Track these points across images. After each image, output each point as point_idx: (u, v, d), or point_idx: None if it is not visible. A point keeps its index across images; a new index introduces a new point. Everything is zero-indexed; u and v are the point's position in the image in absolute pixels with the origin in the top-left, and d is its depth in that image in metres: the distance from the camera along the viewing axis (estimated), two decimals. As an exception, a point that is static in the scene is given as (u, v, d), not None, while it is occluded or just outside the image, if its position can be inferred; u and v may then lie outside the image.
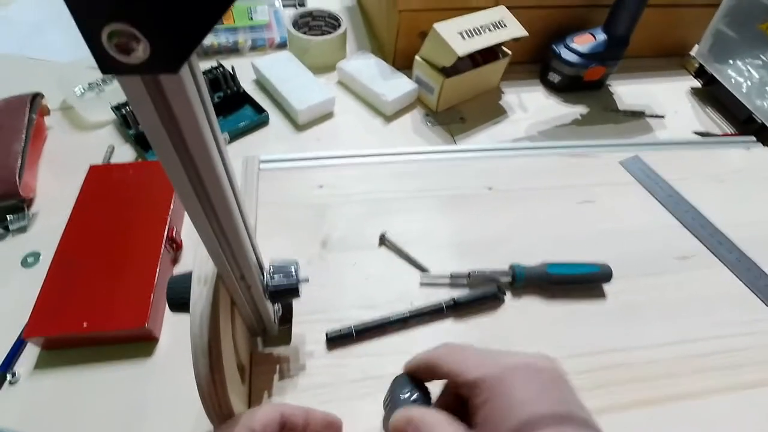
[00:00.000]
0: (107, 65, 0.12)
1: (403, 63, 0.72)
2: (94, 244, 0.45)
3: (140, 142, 0.59)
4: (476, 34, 0.63)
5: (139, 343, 0.42)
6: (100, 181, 0.50)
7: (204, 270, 0.28)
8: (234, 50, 0.76)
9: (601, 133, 0.70)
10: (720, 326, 0.46)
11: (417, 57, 0.67)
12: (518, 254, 0.49)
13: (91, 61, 0.12)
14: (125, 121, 0.59)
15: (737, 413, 0.41)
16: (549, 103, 0.74)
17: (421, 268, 0.48)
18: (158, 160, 0.17)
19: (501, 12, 0.66)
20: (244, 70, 0.69)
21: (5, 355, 0.41)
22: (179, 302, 0.28)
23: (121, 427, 0.38)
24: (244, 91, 0.66)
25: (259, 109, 0.65)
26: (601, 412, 0.35)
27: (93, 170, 0.51)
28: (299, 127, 0.65)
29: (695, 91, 0.79)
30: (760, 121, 0.68)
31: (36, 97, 0.58)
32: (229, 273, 0.27)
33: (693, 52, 0.82)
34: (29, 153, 0.53)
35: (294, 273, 0.33)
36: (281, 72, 0.68)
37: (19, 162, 0.51)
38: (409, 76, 0.69)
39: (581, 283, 0.48)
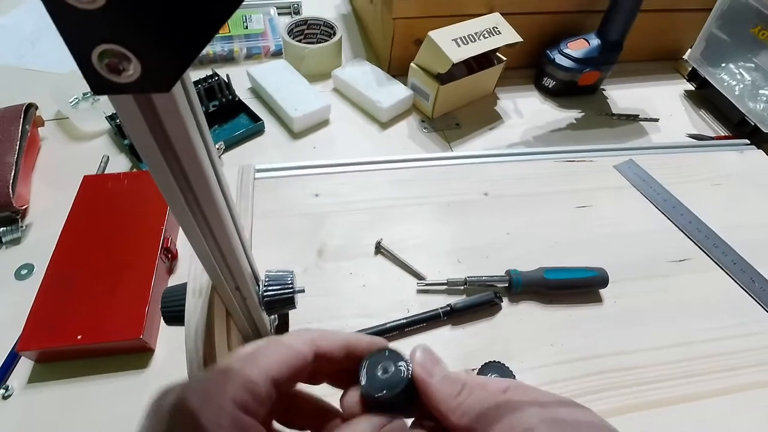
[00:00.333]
0: (98, 85, 0.12)
1: (398, 70, 0.72)
2: (88, 255, 0.45)
3: (135, 152, 0.58)
4: (471, 40, 0.63)
5: (135, 354, 0.42)
6: (94, 191, 0.50)
7: (199, 282, 0.27)
8: (229, 59, 0.76)
9: (596, 137, 0.70)
10: (716, 329, 0.47)
11: (412, 64, 0.67)
12: (515, 260, 0.49)
13: (86, 72, 0.12)
14: (120, 130, 0.59)
15: (735, 415, 0.41)
16: (544, 108, 0.74)
17: (418, 276, 0.48)
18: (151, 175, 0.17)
19: (495, 18, 0.67)
20: (239, 78, 0.69)
21: (-1, 369, 0.40)
22: (174, 315, 0.28)
23: (116, 440, 0.37)
24: (239, 99, 0.66)
25: (255, 118, 0.65)
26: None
27: (87, 180, 0.51)
28: (295, 135, 0.65)
29: (689, 94, 0.80)
30: (752, 123, 0.68)
31: (29, 107, 0.58)
32: (224, 285, 0.27)
33: (686, 56, 0.82)
34: (23, 164, 0.53)
35: (290, 283, 0.33)
36: (277, 80, 0.68)
37: (12, 173, 0.51)
38: (405, 83, 0.69)
39: (578, 287, 0.48)
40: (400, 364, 0.22)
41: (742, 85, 0.71)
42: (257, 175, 0.55)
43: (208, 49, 0.74)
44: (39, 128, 0.60)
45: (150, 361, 0.42)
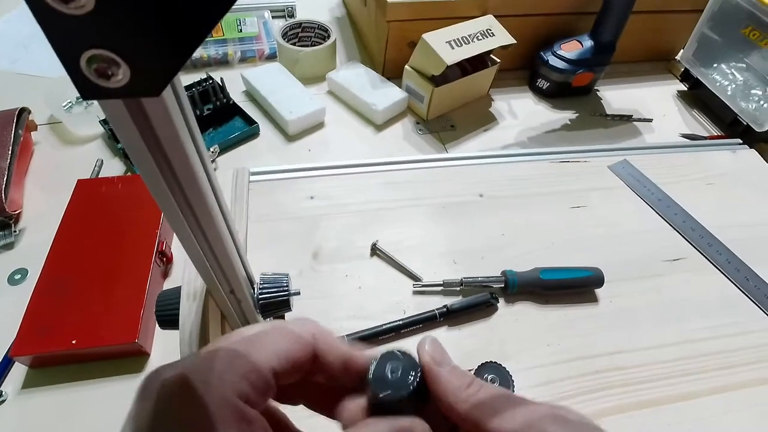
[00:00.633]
0: (87, 90, 0.12)
1: (392, 72, 0.72)
2: (82, 259, 0.44)
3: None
4: (465, 42, 0.63)
5: (130, 358, 0.42)
6: (88, 195, 0.50)
7: (193, 286, 0.27)
8: (223, 62, 0.76)
9: (590, 138, 0.71)
10: (711, 327, 0.47)
11: (407, 66, 0.67)
12: (510, 260, 0.49)
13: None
14: (114, 134, 0.59)
15: (731, 413, 0.41)
16: (538, 109, 0.75)
17: (414, 277, 0.48)
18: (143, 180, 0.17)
19: (489, 21, 0.67)
20: (233, 81, 0.69)
21: (-8, 375, 0.40)
22: (169, 319, 0.28)
23: (112, 446, 0.37)
24: (234, 102, 0.66)
25: (250, 121, 0.65)
26: (596, 416, 0.35)
27: (80, 184, 0.51)
28: (290, 137, 0.65)
29: (681, 95, 0.80)
30: (745, 123, 0.69)
31: (22, 112, 0.58)
32: (218, 288, 0.27)
33: (678, 57, 0.83)
34: (15, 169, 0.53)
35: (285, 286, 0.33)
36: (271, 83, 0.68)
37: (5, 178, 0.50)
38: (399, 86, 0.70)
39: (574, 287, 0.48)
40: (409, 366, 0.21)
41: (734, 85, 0.71)
42: (252, 178, 0.55)
43: (202, 53, 0.74)
44: (32, 132, 0.60)
45: (145, 365, 0.42)
